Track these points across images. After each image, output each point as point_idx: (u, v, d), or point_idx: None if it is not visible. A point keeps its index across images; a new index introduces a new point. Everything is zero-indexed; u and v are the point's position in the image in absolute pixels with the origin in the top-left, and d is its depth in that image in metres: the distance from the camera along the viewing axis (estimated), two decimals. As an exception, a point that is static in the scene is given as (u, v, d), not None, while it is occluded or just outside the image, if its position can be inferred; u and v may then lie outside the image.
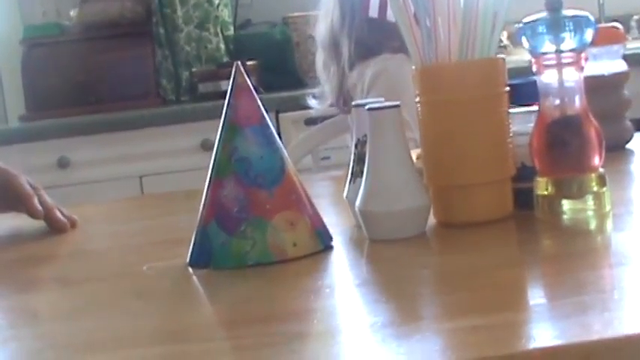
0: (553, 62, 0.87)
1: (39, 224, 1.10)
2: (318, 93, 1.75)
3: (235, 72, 0.86)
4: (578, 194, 0.87)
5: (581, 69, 0.88)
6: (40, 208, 1.08)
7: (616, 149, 1.17)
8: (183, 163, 2.50)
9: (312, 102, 1.77)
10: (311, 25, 1.79)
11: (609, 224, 0.86)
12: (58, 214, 1.10)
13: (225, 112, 0.86)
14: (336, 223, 0.91)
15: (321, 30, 1.71)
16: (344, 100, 1.69)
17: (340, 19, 1.66)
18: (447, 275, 0.76)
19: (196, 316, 0.72)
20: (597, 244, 0.82)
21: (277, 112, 2.50)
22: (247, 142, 0.84)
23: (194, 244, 0.85)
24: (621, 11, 2.98)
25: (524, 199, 0.89)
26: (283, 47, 2.80)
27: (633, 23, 2.99)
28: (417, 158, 0.98)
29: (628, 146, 1.22)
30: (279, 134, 2.50)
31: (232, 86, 0.86)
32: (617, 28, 1.23)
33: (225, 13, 2.87)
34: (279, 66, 2.76)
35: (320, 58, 1.73)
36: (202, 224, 0.85)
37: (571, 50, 0.86)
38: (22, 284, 0.89)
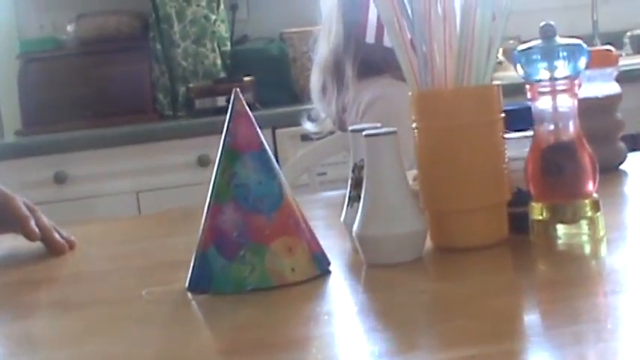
0: (547, 89, 0.88)
1: (36, 246, 1.10)
2: (314, 115, 1.74)
3: (234, 98, 0.87)
4: (573, 219, 0.88)
5: (575, 95, 0.89)
6: (36, 230, 1.09)
7: (609, 171, 1.18)
8: (179, 178, 2.51)
9: (307, 125, 1.75)
10: (308, 41, 1.78)
11: (603, 249, 0.87)
12: (56, 235, 1.10)
13: (224, 138, 0.87)
14: (333, 247, 0.92)
15: (322, 50, 1.68)
16: (341, 118, 1.68)
17: (345, 40, 1.64)
18: (444, 302, 0.77)
19: (195, 343, 0.72)
20: (592, 270, 0.83)
21: (274, 128, 2.51)
22: (246, 168, 0.85)
23: (193, 268, 0.86)
24: (615, 28, 3.00)
25: (519, 223, 0.90)
26: (280, 63, 2.81)
27: (626, 40, 3.02)
28: (414, 180, 0.99)
29: (621, 167, 1.23)
30: (275, 150, 2.53)
31: (231, 112, 0.87)
32: (610, 51, 1.25)
33: (222, 29, 2.88)
34: (276, 82, 2.77)
35: (316, 79, 1.70)
36: (201, 249, 0.86)
37: (565, 77, 0.88)
38: (20, 309, 0.89)
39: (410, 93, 0.92)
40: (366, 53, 1.62)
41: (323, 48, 1.67)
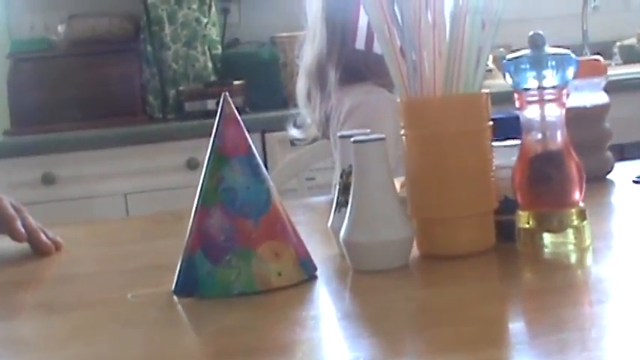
0: (535, 98, 0.88)
1: (23, 247, 1.10)
2: (300, 122, 1.74)
3: (223, 102, 0.87)
4: (559, 228, 0.88)
5: (563, 105, 0.89)
6: (22, 231, 1.08)
7: (597, 180, 1.19)
8: (168, 181, 2.50)
9: (293, 131, 1.75)
10: (296, 48, 1.77)
11: (589, 258, 0.87)
12: (43, 236, 1.10)
13: (213, 142, 0.87)
14: (320, 252, 0.92)
15: (307, 56, 1.68)
16: (324, 125, 1.68)
17: (329, 45, 1.64)
18: (430, 309, 0.77)
19: (180, 347, 0.72)
20: (577, 279, 0.84)
21: (263, 132, 2.51)
22: (234, 172, 0.85)
23: (179, 272, 0.86)
24: (604, 38, 3.02)
25: (506, 231, 0.90)
26: (270, 67, 2.81)
27: (616, 50, 3.03)
28: (402, 187, 0.99)
29: (608, 177, 1.24)
30: (265, 154, 2.53)
31: (220, 116, 0.87)
32: (598, 61, 1.26)
33: (214, 32, 2.88)
34: (266, 86, 2.77)
35: (302, 85, 1.70)
36: (188, 253, 0.86)
37: (553, 87, 0.88)
38: (6, 310, 0.89)
39: (398, 100, 0.92)
40: (348, 59, 1.62)
41: (308, 54, 1.67)
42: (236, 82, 2.71)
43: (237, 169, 0.86)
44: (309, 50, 1.68)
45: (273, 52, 2.85)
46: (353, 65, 1.61)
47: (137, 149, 2.53)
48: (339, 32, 1.63)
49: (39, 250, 1.09)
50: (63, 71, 2.78)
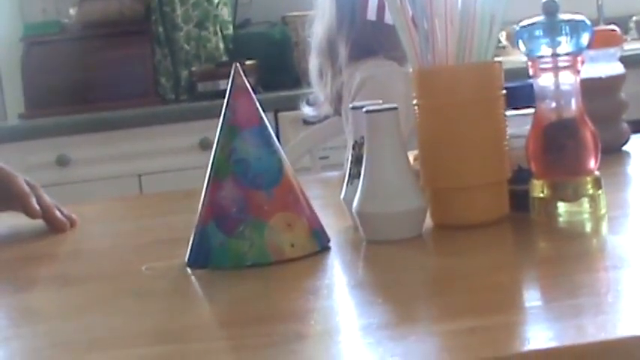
0: (549, 65, 0.87)
1: (38, 224, 1.10)
2: (312, 99, 1.74)
3: (234, 73, 0.87)
4: (574, 197, 0.87)
5: (578, 72, 0.88)
6: (37, 207, 1.09)
7: (612, 152, 1.18)
8: (181, 162, 2.50)
9: (306, 109, 1.75)
10: (306, 27, 1.77)
11: (604, 227, 0.87)
12: (57, 213, 1.10)
13: (224, 114, 0.87)
14: (333, 224, 0.92)
15: (317, 32, 1.68)
16: (336, 102, 1.68)
17: (338, 20, 1.64)
18: (443, 277, 0.77)
19: (194, 317, 0.72)
20: (592, 246, 0.83)
21: (276, 112, 2.51)
22: (246, 144, 0.85)
23: (192, 244, 0.86)
24: (620, 12, 2.99)
25: (520, 201, 0.90)
26: (282, 47, 2.80)
27: (632, 24, 3.00)
28: (415, 160, 0.99)
29: (624, 148, 1.23)
30: (277, 133, 2.52)
31: (231, 88, 0.87)
32: (614, 31, 1.24)
33: (225, 12, 2.87)
34: (278, 65, 2.77)
35: (314, 63, 1.70)
36: (201, 224, 0.86)
37: (567, 54, 0.87)
38: (21, 283, 0.90)
39: (409, 72, 0.91)
40: (358, 34, 1.61)
41: (318, 30, 1.68)
42: (248, 62, 2.70)
43: (248, 140, 0.85)
44: (319, 27, 1.68)
45: (285, 32, 2.84)
46: (363, 40, 1.61)
47: (150, 130, 2.54)
48: (348, 7, 1.62)
49: (54, 227, 1.09)
50: (75, 54, 2.78)
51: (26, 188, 1.11)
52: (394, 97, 1.52)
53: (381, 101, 0.93)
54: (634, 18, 3.00)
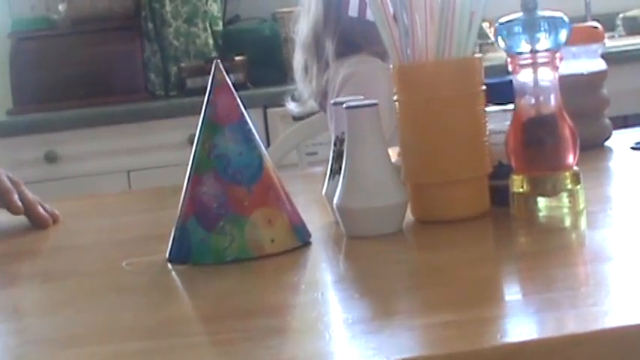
0: (529, 62, 0.88)
1: (20, 220, 1.10)
2: (297, 95, 1.74)
3: (215, 69, 0.87)
4: (553, 192, 0.88)
5: (556, 68, 0.89)
6: (19, 204, 1.08)
7: (594, 147, 1.18)
8: (170, 157, 2.50)
9: (290, 105, 1.75)
10: (291, 23, 1.77)
11: (583, 222, 0.87)
12: (40, 209, 1.10)
13: (205, 110, 0.87)
14: (315, 220, 0.92)
15: (302, 28, 1.68)
16: (321, 98, 1.68)
17: (325, 16, 1.64)
18: (422, 271, 0.77)
19: (175, 312, 0.73)
20: (571, 241, 0.84)
21: (265, 107, 2.51)
22: (226, 139, 0.85)
23: (173, 239, 0.86)
24: (607, 9, 3.00)
25: (500, 196, 0.90)
26: (272, 43, 2.80)
27: (619, 21, 3.01)
28: (398, 156, 0.99)
29: (606, 144, 1.23)
30: (266, 129, 2.52)
31: (212, 83, 0.87)
32: (596, 28, 1.25)
33: (214, 8, 2.87)
34: (268, 61, 2.76)
35: (299, 59, 1.70)
36: (181, 220, 0.86)
37: (546, 50, 0.88)
38: (2, 280, 0.90)
39: (391, 66, 0.92)
40: (344, 31, 1.62)
41: (303, 26, 1.68)
42: (237, 58, 2.70)
43: (229, 136, 0.86)
44: (304, 23, 1.68)
45: (275, 28, 2.84)
46: (349, 36, 1.61)
47: (139, 126, 2.54)
48: (334, 2, 1.62)
49: (36, 223, 1.09)
50: (64, 50, 2.78)
51: (8, 184, 1.10)
52: (377, 93, 1.53)
53: (362, 97, 0.93)
54: (621, 15, 3.01)
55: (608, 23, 2.96)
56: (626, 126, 2.53)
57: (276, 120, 2.50)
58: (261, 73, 2.72)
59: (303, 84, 1.70)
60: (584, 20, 2.92)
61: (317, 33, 1.64)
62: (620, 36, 2.96)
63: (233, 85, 0.88)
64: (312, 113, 1.77)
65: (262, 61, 2.75)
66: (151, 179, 2.48)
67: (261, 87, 2.64)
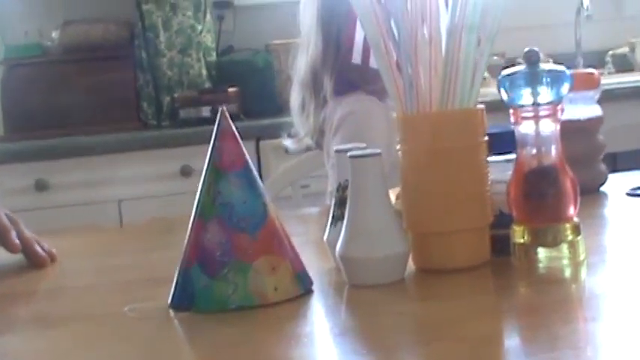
0: (530, 114, 0.89)
1: (17, 259, 1.10)
2: (293, 132, 1.75)
3: (220, 116, 0.87)
4: (554, 243, 0.89)
5: (558, 120, 0.90)
6: (17, 242, 1.08)
7: (590, 192, 1.19)
8: (162, 188, 2.50)
9: (287, 142, 1.76)
10: (290, 58, 1.78)
11: (583, 273, 0.88)
12: (38, 248, 1.10)
13: (210, 156, 0.87)
14: (315, 265, 0.92)
15: (301, 65, 1.69)
16: (318, 136, 1.69)
17: (323, 54, 1.65)
18: (425, 325, 0.77)
19: (177, 362, 0.73)
20: (571, 294, 0.84)
21: (258, 139, 2.51)
22: (231, 187, 0.86)
23: (176, 286, 0.86)
24: (597, 47, 3.03)
25: (501, 245, 0.91)
26: (265, 74, 2.82)
27: (608, 58, 3.05)
28: (397, 198, 1.00)
29: (602, 189, 1.25)
30: (259, 161, 2.53)
31: (217, 130, 0.87)
32: (592, 74, 1.26)
33: (208, 39, 2.88)
34: (261, 93, 2.78)
35: (296, 96, 1.71)
36: (185, 266, 0.86)
37: (548, 103, 0.89)
38: (0, 324, 0.89)
39: (388, 107, 0.93)
40: (343, 69, 1.63)
41: (302, 63, 1.68)
42: (230, 89, 2.71)
43: (233, 183, 0.86)
44: (303, 60, 1.68)
45: (268, 60, 2.86)
46: (347, 75, 1.62)
47: (131, 156, 2.53)
48: (334, 40, 1.63)
49: (34, 262, 1.09)
50: (57, 77, 2.78)
51: (6, 222, 1.10)
52: (374, 131, 1.54)
53: (364, 144, 0.94)
54: (610, 52, 3.04)
55: (598, 60, 3.00)
56: (616, 164, 2.55)
57: (269, 152, 2.51)
58: (255, 105, 2.73)
59: (299, 121, 1.70)
60: (575, 57, 2.96)
61: (315, 70, 1.65)
62: (609, 73, 2.99)
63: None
64: (309, 149, 1.78)
65: (255, 92, 2.76)
66: (142, 209, 2.47)
67: (254, 119, 2.65)
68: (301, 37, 1.73)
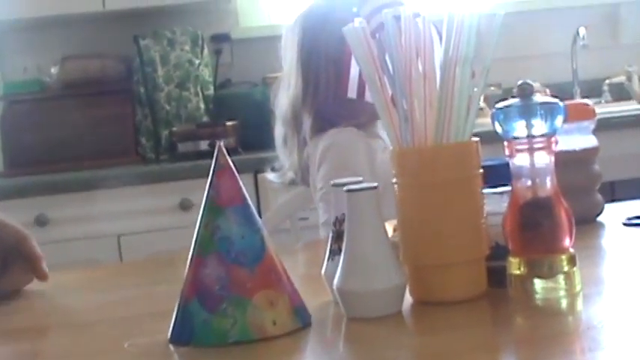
0: (525, 147, 0.90)
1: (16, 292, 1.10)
2: (277, 166, 1.77)
3: (218, 152, 0.88)
4: (550, 274, 0.89)
5: (552, 152, 0.91)
6: (46, 271, 1.13)
7: (587, 222, 1.20)
8: (161, 222, 2.51)
9: (270, 175, 1.79)
10: (271, 95, 1.81)
11: (579, 304, 0.88)
12: (44, 265, 1.15)
13: (208, 192, 0.88)
14: (313, 298, 0.93)
15: (282, 103, 1.73)
16: (303, 172, 1.72)
17: (303, 93, 1.69)
18: (423, 357, 0.78)
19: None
20: (568, 326, 0.85)
21: (256, 173, 2.52)
22: (229, 222, 0.87)
23: (175, 320, 0.87)
24: (594, 76, 3.06)
25: (497, 277, 0.91)
26: (263, 107, 2.81)
27: (605, 87, 3.07)
28: (394, 230, 1.01)
29: (599, 219, 1.25)
30: (257, 194, 2.53)
31: (215, 166, 0.88)
32: (587, 105, 1.28)
33: (206, 73, 2.91)
34: (259, 126, 2.78)
35: (279, 132, 1.75)
36: (184, 301, 0.87)
37: (542, 135, 0.90)
38: (1, 360, 0.89)
39: (366, 136, 0.94)
40: (320, 107, 1.67)
41: (283, 101, 1.73)
42: (228, 123, 2.73)
43: (232, 218, 0.87)
44: (284, 97, 1.73)
45: (266, 93, 2.86)
46: (325, 113, 1.66)
47: (130, 190, 2.54)
48: (313, 80, 1.68)
49: (38, 277, 1.13)
50: (56, 113, 2.80)
51: (38, 251, 1.15)
52: (357, 159, 1.57)
53: (361, 178, 0.95)
54: (607, 81, 3.07)
55: (595, 89, 3.02)
56: (613, 193, 2.56)
57: (268, 185, 2.51)
58: (252, 138, 2.75)
59: (283, 155, 1.74)
60: (572, 86, 2.98)
61: (295, 109, 1.70)
62: (606, 102, 3.01)
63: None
64: (292, 182, 1.81)
65: (253, 125, 2.77)
66: (141, 244, 2.48)
67: (252, 152, 2.66)
68: (282, 72, 1.76)
